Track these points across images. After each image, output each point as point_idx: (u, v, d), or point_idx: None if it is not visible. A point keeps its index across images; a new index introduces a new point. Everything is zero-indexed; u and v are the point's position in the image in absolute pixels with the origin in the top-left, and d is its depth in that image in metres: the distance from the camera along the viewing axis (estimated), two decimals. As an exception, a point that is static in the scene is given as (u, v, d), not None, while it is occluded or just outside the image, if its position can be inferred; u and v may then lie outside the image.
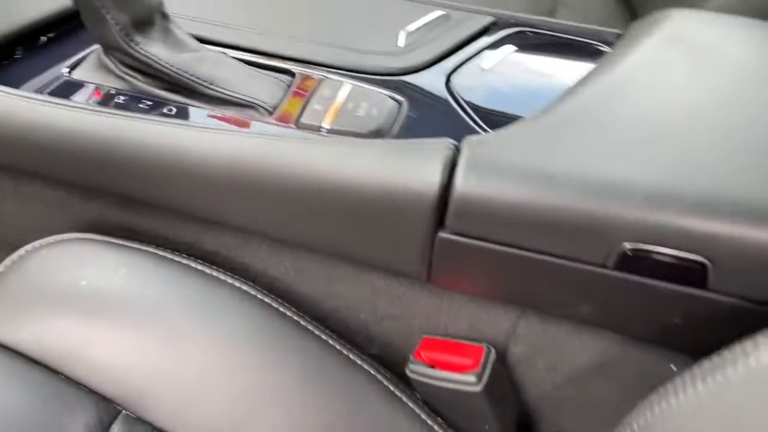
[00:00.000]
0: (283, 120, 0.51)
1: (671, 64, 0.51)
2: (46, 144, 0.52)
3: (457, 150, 0.46)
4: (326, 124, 0.50)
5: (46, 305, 0.52)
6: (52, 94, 0.53)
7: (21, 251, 0.54)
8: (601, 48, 0.60)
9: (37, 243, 0.55)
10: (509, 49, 0.58)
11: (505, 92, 0.55)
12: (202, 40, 0.57)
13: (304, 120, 0.51)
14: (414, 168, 0.45)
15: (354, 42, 0.58)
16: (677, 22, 0.56)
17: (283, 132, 0.50)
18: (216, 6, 0.61)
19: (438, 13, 0.61)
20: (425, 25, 0.60)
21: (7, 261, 0.54)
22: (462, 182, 0.44)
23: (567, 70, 0.57)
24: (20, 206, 0.61)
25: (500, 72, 0.56)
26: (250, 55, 0.57)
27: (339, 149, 0.46)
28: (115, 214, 0.58)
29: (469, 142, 0.45)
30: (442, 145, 0.45)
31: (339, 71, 0.56)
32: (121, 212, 0.58)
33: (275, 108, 0.52)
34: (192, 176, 0.50)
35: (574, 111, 0.47)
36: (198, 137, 0.49)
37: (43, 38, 0.60)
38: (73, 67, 0.56)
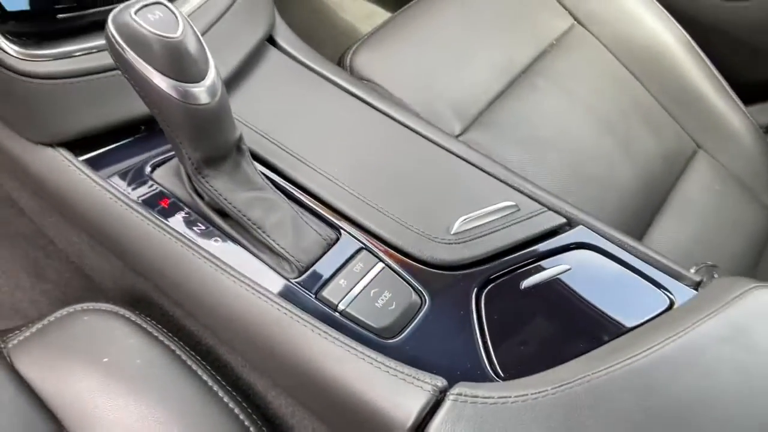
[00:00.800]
0: (307, 285, 0.54)
1: (729, 370, 0.46)
2: (106, 230, 0.58)
3: (443, 394, 0.45)
4: (342, 306, 0.52)
5: (73, 367, 0.59)
6: (129, 186, 0.59)
7: (70, 309, 0.61)
8: (671, 296, 0.56)
9: (85, 305, 0.62)
10: (561, 269, 0.56)
11: (535, 328, 0.53)
12: (271, 167, 0.61)
13: (324, 293, 0.53)
14: (394, 402, 0.45)
15: (410, 215, 0.58)
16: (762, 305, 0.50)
17: (298, 302, 0.52)
18: (299, 136, 0.63)
19: (507, 203, 0.59)
20: (487, 214, 0.59)
21: (57, 314, 0.62)
22: (432, 433, 0.44)
23: (616, 319, 0.54)
24: (93, 255, 0.68)
25: (539, 298, 0.54)
26: (307, 197, 0.59)
27: (334, 350, 0.48)
28: (158, 296, 0.64)
29: (456, 394, 0.45)
30: (430, 386, 0.45)
31: (381, 242, 0.57)
32: (162, 298, 0.63)
33: (306, 268, 0.54)
34: (213, 310, 0.54)
35: (596, 396, 0.44)
36: (227, 284, 0.52)
37: None
38: (157, 165, 0.61)
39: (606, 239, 0.59)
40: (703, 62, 1.07)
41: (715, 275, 0.62)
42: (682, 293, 0.56)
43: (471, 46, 0.94)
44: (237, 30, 0.68)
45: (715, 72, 1.07)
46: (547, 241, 0.58)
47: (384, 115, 0.67)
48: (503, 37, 0.98)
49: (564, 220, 0.60)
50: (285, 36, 0.73)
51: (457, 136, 0.85)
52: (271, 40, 0.73)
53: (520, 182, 0.62)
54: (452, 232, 0.57)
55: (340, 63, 0.90)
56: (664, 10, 1.08)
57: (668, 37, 1.07)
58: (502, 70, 0.94)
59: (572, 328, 0.53)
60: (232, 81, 0.66)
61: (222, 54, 0.65)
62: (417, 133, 0.65)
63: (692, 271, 0.61)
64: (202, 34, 0.63)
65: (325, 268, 0.55)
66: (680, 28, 1.07)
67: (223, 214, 0.57)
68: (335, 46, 1.39)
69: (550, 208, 0.60)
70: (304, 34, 0.79)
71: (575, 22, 1.08)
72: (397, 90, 0.86)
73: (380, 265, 0.55)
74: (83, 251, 0.70)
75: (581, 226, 0.60)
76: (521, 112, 0.92)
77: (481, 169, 0.63)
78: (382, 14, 1.58)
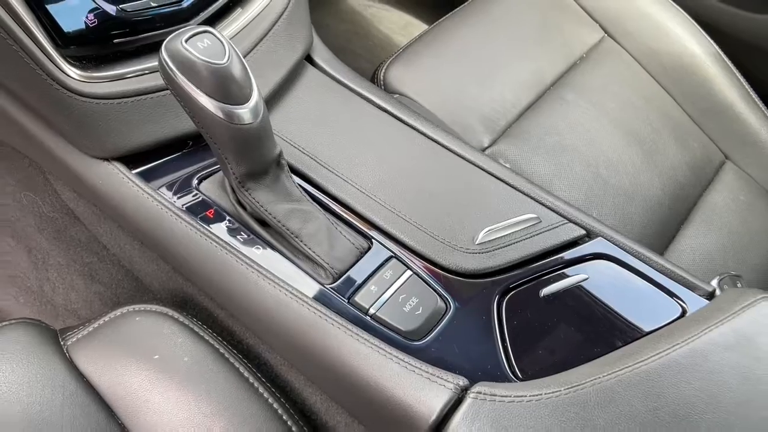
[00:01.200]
0: (341, 290, 0.58)
1: (733, 375, 0.48)
2: (157, 237, 0.63)
3: (464, 392, 0.49)
4: (373, 310, 0.56)
5: (126, 363, 0.64)
6: (177, 197, 0.64)
7: (123, 309, 0.67)
8: (684, 305, 0.58)
9: (137, 307, 0.67)
10: (579, 278, 0.59)
11: (552, 333, 0.56)
12: (308, 179, 0.65)
13: (357, 298, 0.57)
14: (419, 398, 0.49)
15: (437, 226, 0.62)
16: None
17: (332, 306, 0.56)
18: (333, 150, 0.68)
19: (529, 215, 0.63)
20: (510, 225, 0.62)
21: (112, 314, 0.67)
22: (453, 429, 0.47)
23: (630, 326, 0.56)
24: (143, 260, 0.74)
25: (557, 306, 0.58)
26: (341, 208, 0.64)
27: (365, 350, 0.52)
28: (203, 299, 0.69)
29: (476, 392, 0.48)
30: (452, 384, 0.49)
31: (410, 251, 0.61)
32: (207, 300, 0.68)
33: (340, 275, 0.59)
34: (253, 312, 0.59)
35: (605, 396, 0.47)
36: (267, 288, 0.57)
37: None
38: (204, 178, 0.66)
39: (623, 250, 0.62)
40: (734, 74, 1.08)
41: (739, 285, 0.65)
42: (695, 303, 0.59)
43: (502, 59, 0.98)
44: (278, 50, 0.73)
45: (745, 84, 1.08)
46: (567, 252, 0.62)
47: (413, 130, 0.71)
48: (534, 50, 1.01)
49: (583, 232, 0.63)
50: (321, 54, 0.78)
51: (486, 148, 0.89)
52: (308, 58, 0.77)
53: (542, 195, 0.65)
54: (476, 243, 0.61)
55: (374, 77, 0.94)
56: (695, 23, 1.09)
57: (698, 49, 1.07)
58: (532, 84, 0.97)
59: (587, 334, 0.56)
60: (273, 98, 0.71)
61: (264, 73, 0.70)
62: (445, 147, 0.69)
63: (715, 280, 0.63)
64: (245, 55, 0.68)
65: (357, 274, 0.59)
66: (710, 40, 1.08)
67: (264, 223, 0.62)
68: (371, 58, 1.43)
69: (570, 220, 0.63)
70: (341, 46, 0.84)
71: (605, 35, 1.10)
72: (428, 103, 0.90)
73: (408, 272, 0.59)
74: (134, 256, 0.76)
75: (600, 238, 0.62)
76: (549, 125, 0.94)
77: (505, 182, 0.66)
78: (418, 25, 1.61)
